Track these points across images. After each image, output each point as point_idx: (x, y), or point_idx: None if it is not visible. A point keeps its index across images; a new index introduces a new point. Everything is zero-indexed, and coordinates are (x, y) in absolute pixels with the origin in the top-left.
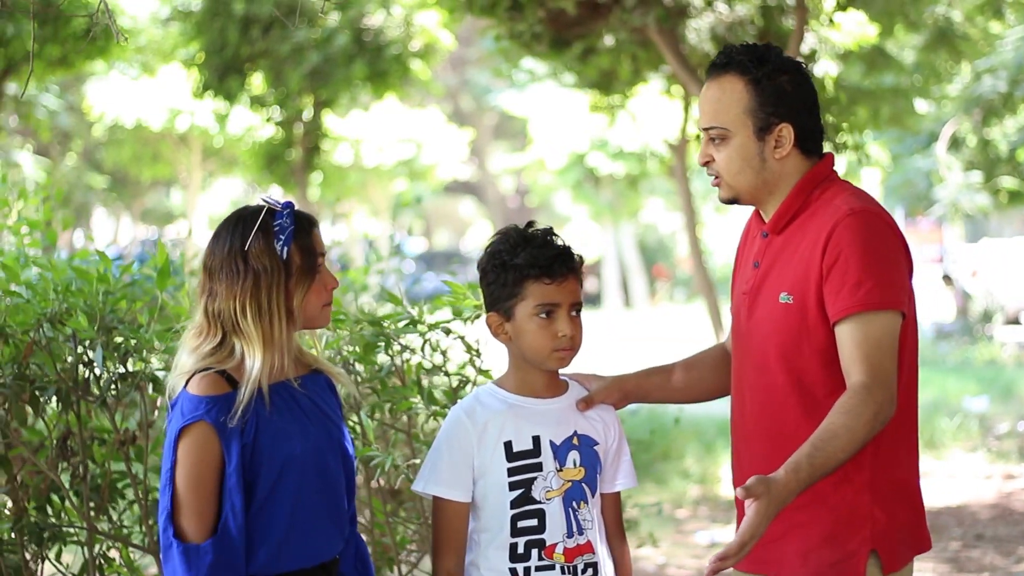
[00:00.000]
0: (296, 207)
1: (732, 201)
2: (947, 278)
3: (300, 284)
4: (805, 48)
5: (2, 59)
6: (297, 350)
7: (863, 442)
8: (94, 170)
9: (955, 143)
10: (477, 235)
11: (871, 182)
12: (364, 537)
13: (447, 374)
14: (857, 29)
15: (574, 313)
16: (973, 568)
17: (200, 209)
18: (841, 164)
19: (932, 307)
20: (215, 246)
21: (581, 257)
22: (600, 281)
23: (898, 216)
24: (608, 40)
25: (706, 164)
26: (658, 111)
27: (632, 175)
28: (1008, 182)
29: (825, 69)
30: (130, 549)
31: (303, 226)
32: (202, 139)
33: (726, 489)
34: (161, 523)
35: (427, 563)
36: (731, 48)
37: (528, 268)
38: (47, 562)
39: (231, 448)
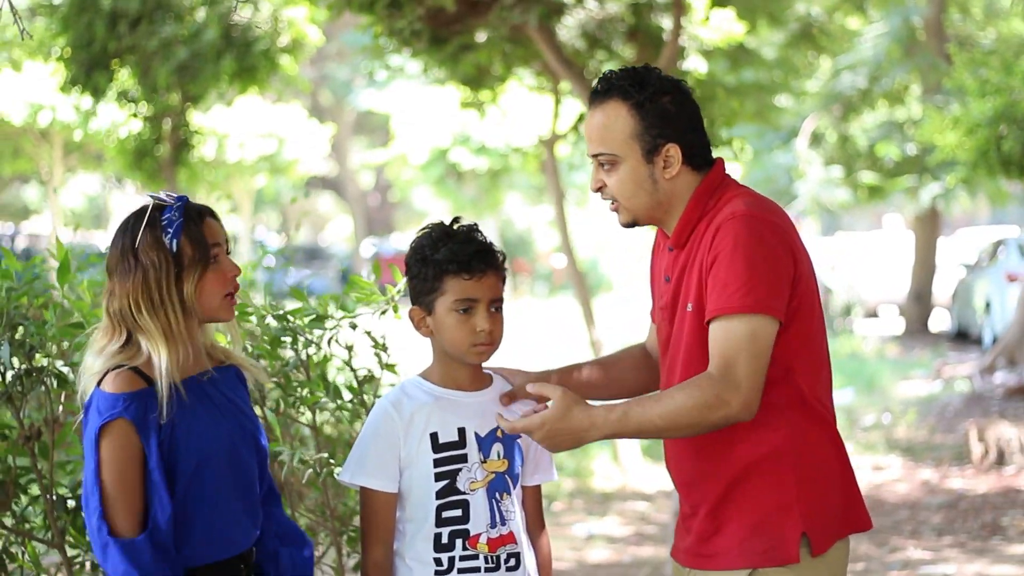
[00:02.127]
0: (188, 201)
1: (632, 224)
2: None
3: (190, 275)
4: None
5: None
6: (208, 344)
7: (689, 425)
8: None
9: (815, 139)
10: (336, 230)
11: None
12: None
13: (352, 369)
14: (726, 26)
15: (494, 309)
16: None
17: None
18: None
19: None
20: (112, 247)
21: (503, 254)
22: None
23: None
24: (480, 36)
25: (599, 190)
26: (527, 107)
27: (495, 170)
28: (867, 177)
29: (694, 66)
30: (34, 544)
31: (192, 218)
32: (64, 134)
33: (600, 482)
34: (94, 524)
35: (330, 556)
36: (610, 73)
37: (447, 264)
38: None
39: (150, 443)
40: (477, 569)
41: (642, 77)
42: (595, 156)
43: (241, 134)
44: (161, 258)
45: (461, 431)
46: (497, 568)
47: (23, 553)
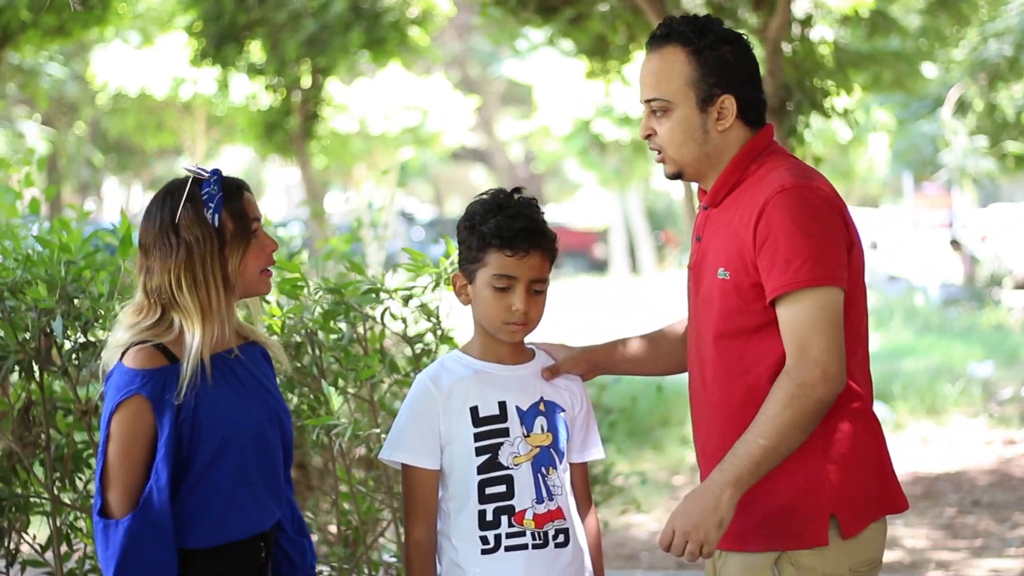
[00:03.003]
0: (223, 174)
1: (677, 176)
2: (955, 243)
3: (235, 250)
4: (800, 12)
5: None
6: (236, 321)
7: (798, 424)
8: (99, 140)
9: (961, 108)
10: None
11: (879, 147)
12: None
13: (410, 343)
14: None
15: (535, 290)
16: (967, 534)
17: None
18: (847, 130)
19: (940, 272)
20: (147, 223)
21: (553, 234)
22: (608, 248)
23: (905, 181)
24: (602, 7)
25: (647, 137)
26: None
27: (639, 142)
28: (1014, 146)
29: (821, 34)
30: None
31: (232, 191)
32: (206, 107)
33: None
34: (94, 498)
35: (394, 533)
36: (672, 19)
37: (492, 237)
38: (14, 533)
39: (164, 422)
40: (524, 546)
41: (704, 24)
42: (648, 102)
43: (384, 107)
44: (205, 234)
45: (502, 404)
46: (545, 544)
47: (85, 528)
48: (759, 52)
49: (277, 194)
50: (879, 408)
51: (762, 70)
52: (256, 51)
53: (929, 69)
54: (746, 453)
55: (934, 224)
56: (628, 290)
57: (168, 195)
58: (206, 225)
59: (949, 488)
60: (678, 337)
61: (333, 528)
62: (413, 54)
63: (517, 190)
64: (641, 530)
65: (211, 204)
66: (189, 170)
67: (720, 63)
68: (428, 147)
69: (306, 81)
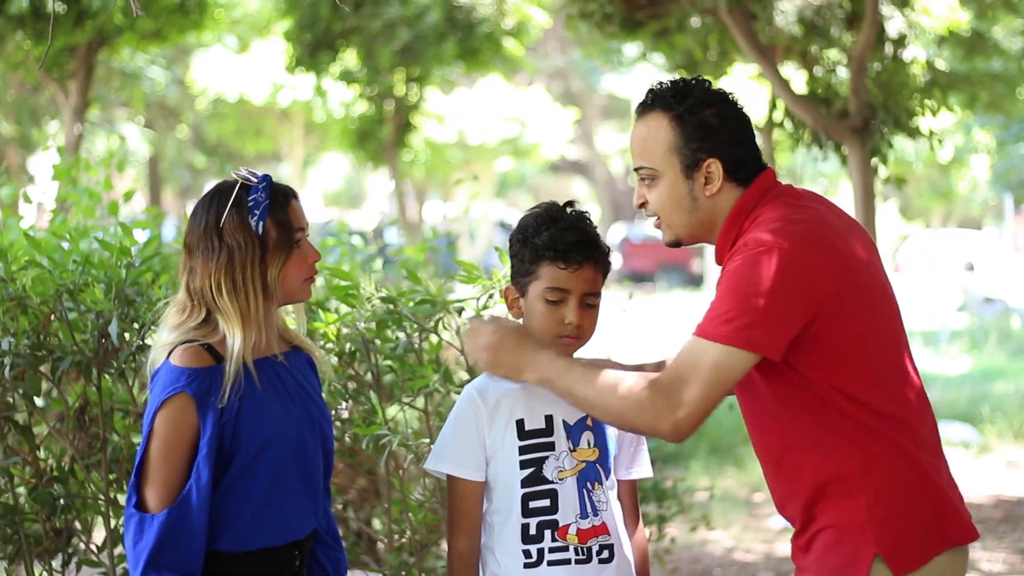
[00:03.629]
0: (273, 180)
1: (676, 243)
2: None
3: (276, 258)
4: (894, 32)
5: (92, 30)
6: (280, 327)
7: (615, 415)
8: (200, 144)
9: None
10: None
11: (979, 167)
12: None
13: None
14: (947, 13)
15: (587, 303)
16: None
17: (312, 184)
18: (947, 151)
19: None
20: (193, 223)
21: (607, 247)
22: (703, 262)
23: (1006, 203)
24: (694, 21)
25: (641, 206)
26: (750, 94)
27: None
28: None
29: (913, 54)
30: None
31: (279, 200)
32: (303, 114)
33: None
34: (128, 492)
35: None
36: (656, 85)
37: (545, 249)
38: (70, 534)
39: (207, 421)
40: (567, 561)
41: (685, 89)
42: (637, 170)
43: (482, 117)
44: (247, 240)
45: (548, 418)
46: (589, 560)
47: None
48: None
49: (380, 201)
50: (965, 430)
51: (847, 89)
52: (351, 59)
53: None
54: (573, 382)
55: None
56: None
57: (215, 197)
58: (249, 231)
59: None
60: None
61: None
62: (508, 65)
63: (570, 203)
64: (716, 546)
65: (256, 211)
66: (238, 175)
67: (702, 127)
68: (527, 158)
69: (399, 90)
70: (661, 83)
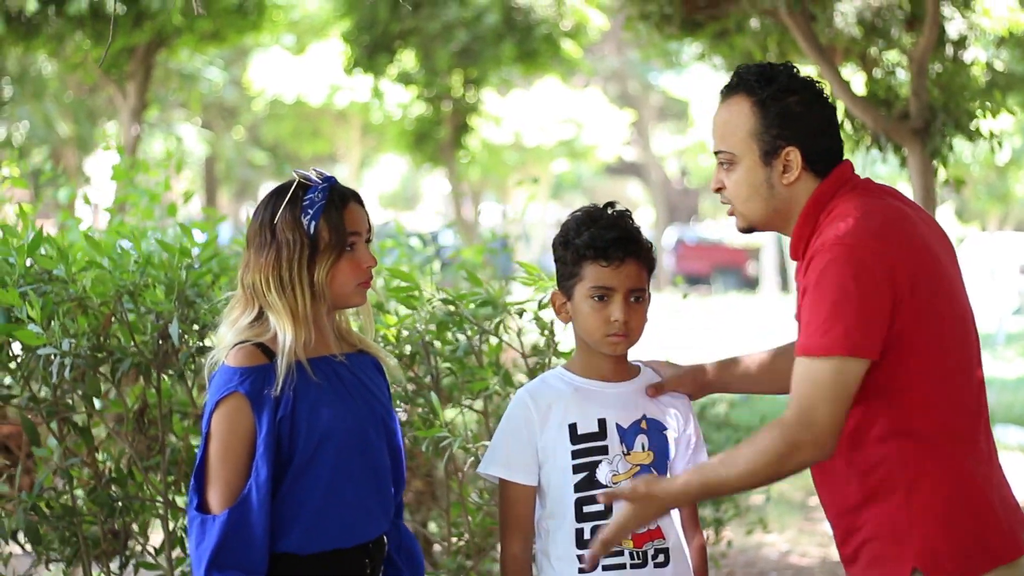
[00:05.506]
0: (337, 183)
1: (748, 230)
2: None
3: (324, 260)
4: (955, 33)
5: (151, 31)
6: (343, 330)
7: (768, 476)
8: (256, 145)
9: None
10: (643, 216)
11: None
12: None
13: (524, 356)
14: (1007, 15)
15: (634, 299)
16: None
17: (368, 185)
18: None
19: None
20: (254, 218)
21: (649, 243)
22: (759, 265)
23: None
24: (754, 23)
25: (718, 191)
26: None
27: None
28: None
29: (974, 55)
30: None
31: (335, 202)
32: (360, 116)
33: None
34: (189, 495)
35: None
36: (743, 68)
37: (586, 249)
38: (129, 536)
39: (262, 419)
40: (623, 566)
41: (771, 74)
42: (716, 154)
43: (539, 119)
44: (297, 238)
45: (601, 422)
46: (644, 564)
47: None
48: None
49: (436, 202)
50: (1021, 434)
51: (906, 90)
52: (408, 60)
53: None
54: (718, 486)
55: None
56: (777, 308)
57: (275, 195)
58: (301, 230)
59: None
60: (791, 356)
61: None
62: (566, 67)
63: (610, 204)
64: (772, 550)
65: (310, 211)
66: (299, 174)
67: (784, 114)
68: (583, 160)
69: (457, 91)
70: (748, 66)
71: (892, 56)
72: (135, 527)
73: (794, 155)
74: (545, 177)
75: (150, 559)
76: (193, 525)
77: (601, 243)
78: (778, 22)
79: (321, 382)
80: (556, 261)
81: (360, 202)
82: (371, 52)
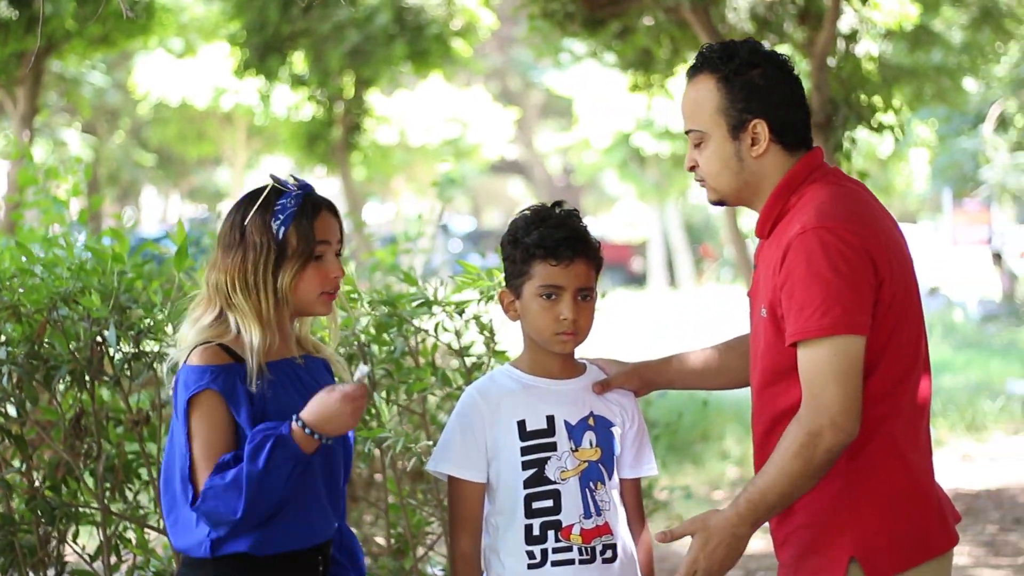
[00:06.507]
0: (312, 191)
1: (719, 203)
2: (997, 256)
3: (290, 266)
4: (846, 27)
5: (42, 37)
6: (302, 335)
7: (802, 472)
8: (141, 148)
9: (1002, 123)
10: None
11: (919, 162)
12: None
13: (461, 356)
14: (898, 8)
15: (582, 298)
16: (1009, 552)
17: (248, 188)
18: (888, 145)
19: (978, 288)
20: (225, 220)
21: (597, 242)
22: (646, 261)
23: (944, 197)
24: (647, 20)
25: (692, 169)
26: None
27: (678, 155)
28: None
29: (866, 49)
30: (145, 530)
31: (307, 210)
32: (246, 118)
33: None
34: (176, 490)
35: (443, 546)
36: (706, 47)
37: (535, 248)
38: (64, 543)
39: (241, 412)
40: (571, 561)
41: (732, 50)
42: (687, 133)
43: (425, 119)
44: (265, 241)
45: (550, 419)
46: (592, 560)
47: (135, 539)
48: (804, 67)
49: None
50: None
51: (807, 85)
52: (299, 62)
53: (971, 84)
54: (761, 498)
55: (973, 240)
56: (666, 304)
57: (249, 197)
58: (269, 234)
59: (990, 505)
60: (738, 351)
61: (380, 540)
62: (455, 66)
63: (558, 203)
64: (685, 544)
65: (281, 216)
66: (274, 178)
67: (748, 87)
68: (467, 159)
69: (349, 92)
70: (711, 45)
71: (785, 51)
72: (69, 535)
73: (761, 127)
74: (429, 177)
75: (86, 567)
76: (198, 519)
77: (551, 242)
78: (674, 18)
79: (287, 387)
80: (504, 260)
81: (334, 212)
82: (262, 54)
